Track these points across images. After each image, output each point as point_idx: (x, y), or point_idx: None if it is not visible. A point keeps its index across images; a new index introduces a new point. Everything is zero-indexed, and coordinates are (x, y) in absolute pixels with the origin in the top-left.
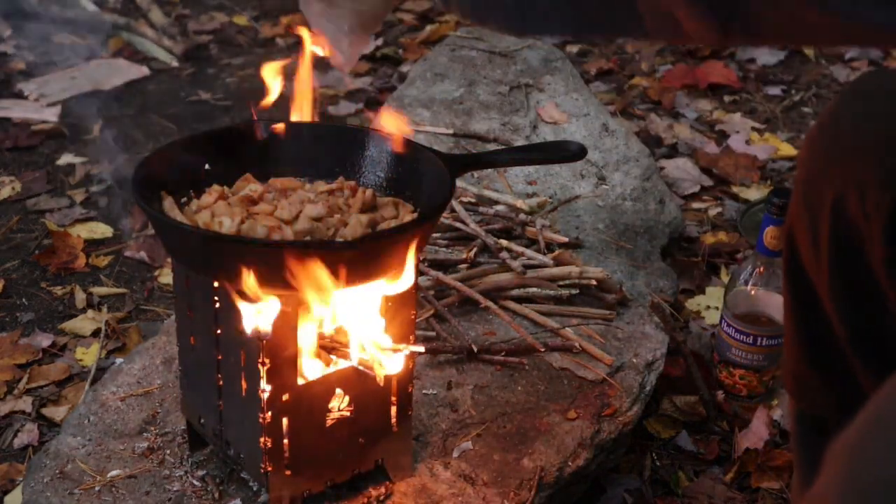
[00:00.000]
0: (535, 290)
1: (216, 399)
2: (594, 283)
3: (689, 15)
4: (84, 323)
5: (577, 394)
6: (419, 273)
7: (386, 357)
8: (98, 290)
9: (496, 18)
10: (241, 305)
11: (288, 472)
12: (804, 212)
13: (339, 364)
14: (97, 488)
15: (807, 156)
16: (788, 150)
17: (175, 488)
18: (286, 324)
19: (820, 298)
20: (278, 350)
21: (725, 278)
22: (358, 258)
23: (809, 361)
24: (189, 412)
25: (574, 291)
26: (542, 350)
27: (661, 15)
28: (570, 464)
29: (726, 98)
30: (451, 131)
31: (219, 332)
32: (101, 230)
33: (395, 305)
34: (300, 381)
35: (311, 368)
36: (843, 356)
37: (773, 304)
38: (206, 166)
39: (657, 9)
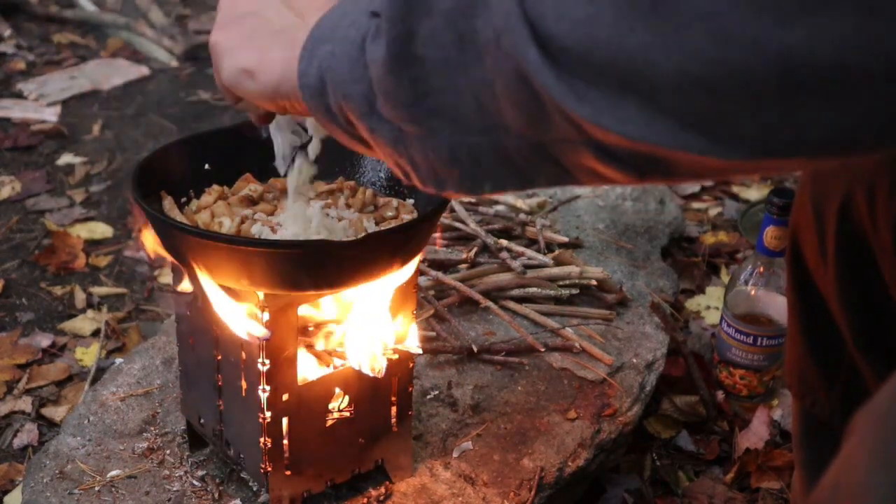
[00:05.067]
0: (535, 290)
1: (216, 399)
2: (594, 283)
3: (607, 169)
4: (84, 323)
5: (577, 394)
6: (419, 273)
7: (386, 357)
8: (98, 290)
9: (452, 185)
10: (241, 305)
11: (288, 472)
12: (810, 212)
13: (339, 364)
14: (97, 488)
15: None
16: None
17: (175, 488)
18: (286, 324)
19: (825, 298)
20: (278, 350)
21: (725, 278)
22: (358, 258)
23: (814, 361)
24: (189, 412)
25: (574, 291)
26: (542, 350)
27: (586, 169)
28: (570, 464)
29: None
30: None
31: (218, 332)
32: (101, 230)
33: (395, 305)
34: (300, 381)
35: (311, 368)
36: (849, 356)
37: (773, 304)
38: (206, 166)
39: (581, 166)
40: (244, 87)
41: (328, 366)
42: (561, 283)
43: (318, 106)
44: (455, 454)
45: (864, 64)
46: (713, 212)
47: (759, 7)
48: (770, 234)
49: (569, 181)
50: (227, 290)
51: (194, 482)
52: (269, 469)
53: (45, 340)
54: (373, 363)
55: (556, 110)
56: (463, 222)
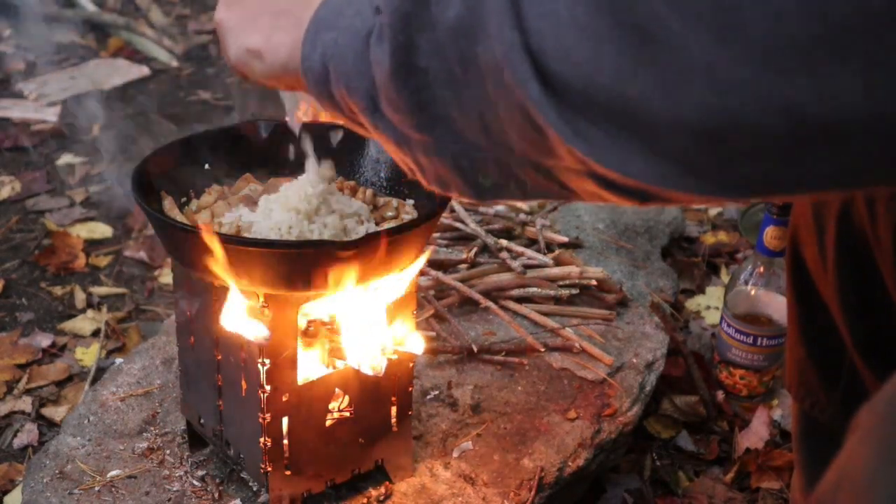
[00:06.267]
0: (535, 290)
1: (216, 399)
2: (594, 283)
3: (609, 195)
4: (84, 323)
5: (577, 394)
6: (419, 273)
7: (385, 357)
8: (98, 290)
9: (456, 189)
10: (241, 305)
11: (288, 472)
12: (810, 216)
13: (339, 364)
14: (97, 488)
15: None
16: None
17: (175, 488)
18: (286, 324)
19: (825, 302)
20: (278, 350)
21: (725, 278)
22: (358, 258)
23: (813, 363)
24: (189, 412)
25: (574, 291)
26: (542, 350)
27: (590, 192)
28: (570, 464)
29: None
30: None
31: (219, 332)
32: (101, 230)
33: (395, 305)
34: (300, 381)
35: (311, 368)
36: (849, 359)
37: (773, 304)
38: (206, 166)
39: (584, 190)
40: (251, 66)
41: (328, 366)
42: (561, 283)
43: (321, 92)
44: (455, 454)
45: (872, 116)
46: (713, 212)
47: (764, 60)
48: (770, 234)
49: (572, 198)
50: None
51: (194, 482)
52: (269, 469)
53: (45, 340)
54: (373, 363)
55: (558, 143)
56: (463, 222)
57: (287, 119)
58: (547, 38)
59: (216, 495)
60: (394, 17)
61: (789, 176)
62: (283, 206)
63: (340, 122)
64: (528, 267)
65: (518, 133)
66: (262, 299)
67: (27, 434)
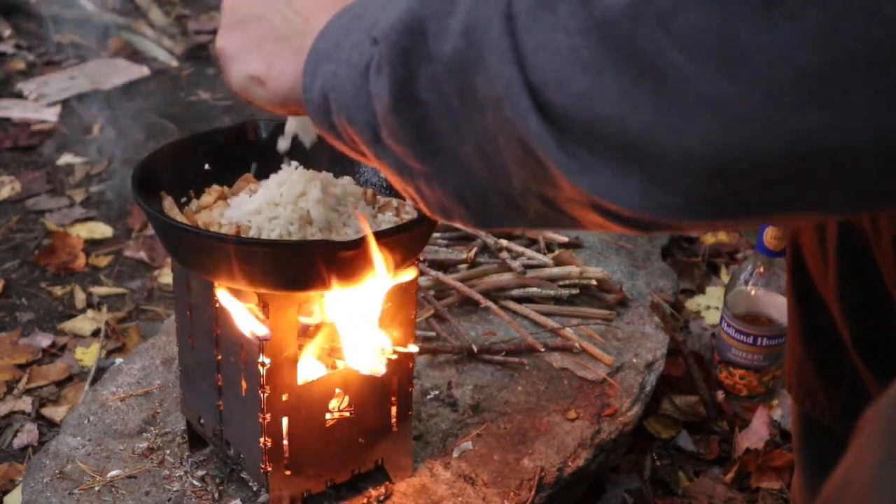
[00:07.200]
0: (535, 290)
1: (216, 399)
2: (594, 283)
3: (612, 225)
4: (84, 323)
5: (577, 394)
6: (419, 273)
7: (385, 358)
8: (98, 290)
9: (459, 218)
10: (241, 305)
11: (288, 472)
12: None
13: (339, 364)
14: (97, 488)
15: None
16: None
17: (175, 488)
18: (286, 324)
19: (825, 302)
20: (278, 350)
21: (725, 278)
22: (358, 258)
23: (814, 364)
24: (189, 412)
25: (574, 291)
26: (542, 350)
27: (592, 222)
28: (570, 464)
29: None
30: None
31: (219, 332)
32: (101, 230)
33: (395, 305)
34: (300, 381)
35: (311, 368)
36: (849, 360)
37: (773, 304)
38: (206, 166)
39: (586, 219)
40: (254, 93)
41: (328, 366)
42: (561, 283)
43: (322, 121)
44: (455, 454)
45: (880, 143)
46: None
47: (772, 93)
48: (770, 234)
49: (575, 227)
50: (229, 289)
51: (194, 482)
52: (269, 469)
53: (45, 340)
54: (373, 363)
55: (558, 175)
56: None
57: (280, 142)
58: (546, 69)
59: (216, 495)
60: (392, 50)
61: (793, 203)
62: (282, 204)
63: (342, 149)
64: (528, 267)
65: (519, 165)
66: (261, 299)
67: (27, 434)
